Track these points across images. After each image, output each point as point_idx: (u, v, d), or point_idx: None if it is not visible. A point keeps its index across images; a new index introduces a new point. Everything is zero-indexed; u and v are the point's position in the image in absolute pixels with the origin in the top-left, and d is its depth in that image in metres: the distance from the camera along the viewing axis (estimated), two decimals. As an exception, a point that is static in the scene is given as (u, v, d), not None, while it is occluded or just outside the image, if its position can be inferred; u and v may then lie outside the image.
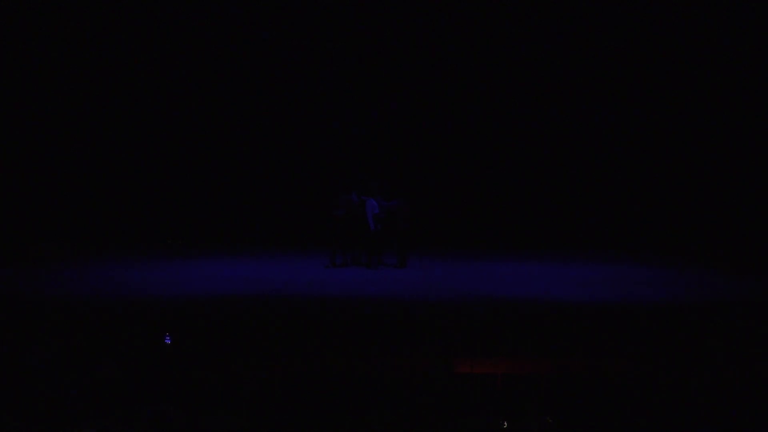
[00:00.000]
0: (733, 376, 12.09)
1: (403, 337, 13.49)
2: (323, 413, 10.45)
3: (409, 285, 16.97)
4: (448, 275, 18.15)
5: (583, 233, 22.76)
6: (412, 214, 18.39)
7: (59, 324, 13.78)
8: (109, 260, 19.55)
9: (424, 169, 22.63)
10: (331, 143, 22.66)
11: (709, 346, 13.20)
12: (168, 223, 22.57)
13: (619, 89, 22.38)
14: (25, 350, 12.57)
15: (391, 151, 22.46)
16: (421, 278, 17.69)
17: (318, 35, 22.37)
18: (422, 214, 20.43)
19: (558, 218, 22.87)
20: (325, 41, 22.36)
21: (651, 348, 13.09)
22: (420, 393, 11.16)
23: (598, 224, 22.73)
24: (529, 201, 22.89)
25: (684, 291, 16.64)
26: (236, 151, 22.80)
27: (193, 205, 22.68)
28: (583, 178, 22.71)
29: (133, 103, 22.30)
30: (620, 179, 22.70)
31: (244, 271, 18.42)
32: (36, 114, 21.86)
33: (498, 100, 22.60)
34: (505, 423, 9.74)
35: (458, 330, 13.80)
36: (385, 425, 10.31)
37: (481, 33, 22.35)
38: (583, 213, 22.80)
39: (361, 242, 18.39)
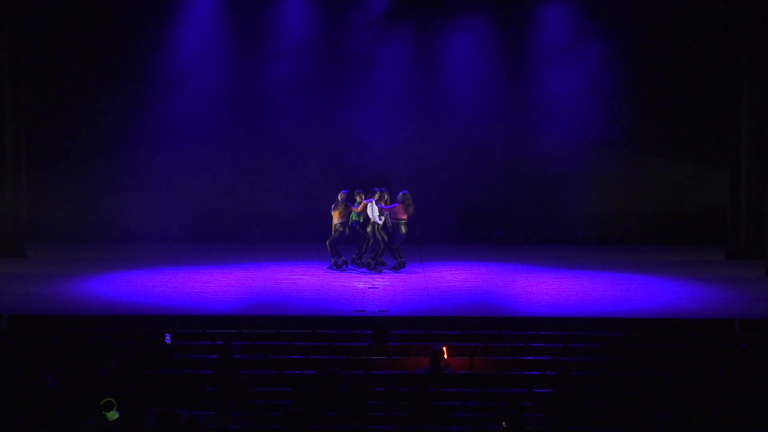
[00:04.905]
0: (734, 377, 12.14)
1: (401, 337, 13.53)
2: (320, 413, 10.49)
3: (409, 285, 17.02)
4: (447, 276, 18.19)
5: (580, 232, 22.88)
6: (413, 215, 18.32)
7: (65, 324, 13.83)
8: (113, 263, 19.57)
9: (423, 169, 22.63)
10: (332, 143, 22.67)
11: (707, 346, 13.26)
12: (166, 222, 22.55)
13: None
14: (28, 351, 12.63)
15: (390, 151, 22.43)
16: (421, 280, 17.74)
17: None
18: (422, 215, 20.40)
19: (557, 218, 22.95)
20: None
21: (650, 351, 13.13)
22: (417, 393, 11.20)
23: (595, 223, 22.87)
24: (528, 200, 22.94)
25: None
26: (235, 149, 22.81)
27: (192, 202, 22.65)
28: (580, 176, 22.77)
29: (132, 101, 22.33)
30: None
31: (245, 272, 18.45)
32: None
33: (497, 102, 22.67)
34: (505, 423, 9.78)
35: (455, 331, 13.83)
36: (381, 425, 10.35)
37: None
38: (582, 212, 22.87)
39: (362, 243, 18.42)
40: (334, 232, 18.13)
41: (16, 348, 12.81)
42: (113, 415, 9.86)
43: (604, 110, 22.36)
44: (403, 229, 18.04)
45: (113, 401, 9.90)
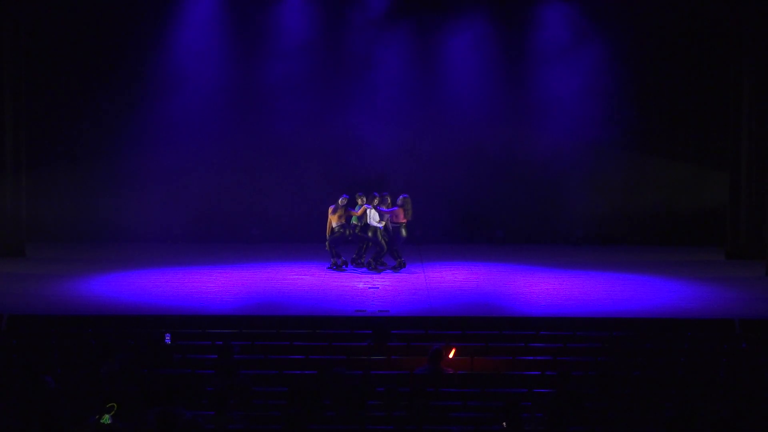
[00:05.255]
0: (733, 380, 12.14)
1: (401, 337, 13.53)
2: (320, 413, 10.50)
3: (409, 285, 17.02)
4: (447, 276, 18.20)
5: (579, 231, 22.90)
6: (413, 217, 18.32)
7: (65, 324, 13.83)
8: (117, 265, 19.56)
9: (423, 169, 22.63)
10: (332, 143, 22.67)
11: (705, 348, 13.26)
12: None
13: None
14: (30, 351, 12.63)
15: (390, 151, 22.43)
16: (420, 280, 17.74)
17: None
18: (421, 215, 20.41)
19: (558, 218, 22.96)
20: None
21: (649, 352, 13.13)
22: (417, 393, 11.20)
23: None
24: (527, 200, 22.94)
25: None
26: (235, 149, 22.82)
27: (192, 202, 22.65)
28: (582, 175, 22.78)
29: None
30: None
31: (245, 272, 18.45)
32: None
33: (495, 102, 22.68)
34: (505, 423, 9.79)
35: (455, 331, 13.83)
36: (381, 425, 10.36)
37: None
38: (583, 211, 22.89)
39: (362, 243, 18.41)
40: (333, 234, 18.10)
41: (16, 348, 12.81)
42: (106, 419, 9.86)
43: (604, 110, 22.35)
44: (404, 232, 18.07)
45: (115, 406, 9.89)
